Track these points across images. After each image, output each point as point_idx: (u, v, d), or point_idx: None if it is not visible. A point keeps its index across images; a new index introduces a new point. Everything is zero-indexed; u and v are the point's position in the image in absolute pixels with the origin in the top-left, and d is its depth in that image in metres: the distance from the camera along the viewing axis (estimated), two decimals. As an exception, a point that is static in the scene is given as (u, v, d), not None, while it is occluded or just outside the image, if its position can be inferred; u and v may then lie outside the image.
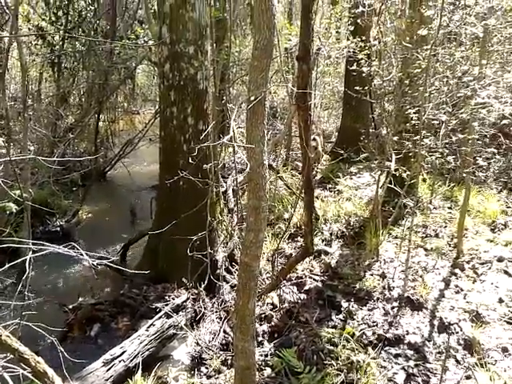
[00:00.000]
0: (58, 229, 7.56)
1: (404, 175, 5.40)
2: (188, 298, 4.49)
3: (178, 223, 4.50)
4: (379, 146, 7.68)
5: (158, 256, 5.11)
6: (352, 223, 6.76)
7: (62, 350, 2.73)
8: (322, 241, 6.37)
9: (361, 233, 6.38)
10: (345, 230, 6.62)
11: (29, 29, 11.26)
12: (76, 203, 8.69)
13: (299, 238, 6.55)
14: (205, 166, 3.90)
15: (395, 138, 5.34)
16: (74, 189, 9.74)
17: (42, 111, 12.44)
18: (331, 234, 6.55)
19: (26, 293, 3.22)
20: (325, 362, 3.71)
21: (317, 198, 7.90)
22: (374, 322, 4.41)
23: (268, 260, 5.64)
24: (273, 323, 4.33)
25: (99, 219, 8.34)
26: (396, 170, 5.37)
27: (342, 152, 8.99)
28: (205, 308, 4.47)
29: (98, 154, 9.50)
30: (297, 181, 8.70)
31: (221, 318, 4.45)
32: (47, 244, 2.31)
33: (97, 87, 10.43)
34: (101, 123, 11.15)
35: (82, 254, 2.39)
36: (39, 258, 6.74)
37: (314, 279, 5.28)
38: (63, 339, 4.35)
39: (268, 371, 3.67)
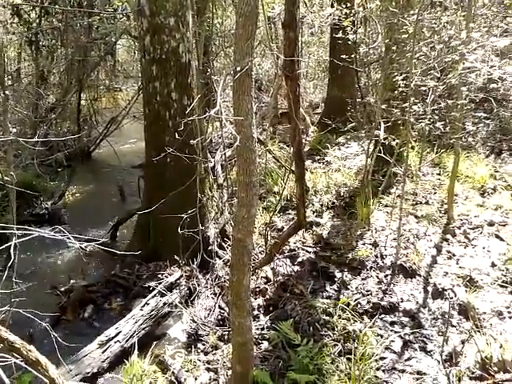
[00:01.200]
0: (45, 211, 7.43)
1: (393, 143, 5.36)
2: (181, 276, 4.46)
3: (167, 201, 4.41)
4: (367, 115, 7.63)
5: (148, 234, 5.05)
6: (342, 194, 6.74)
7: (55, 334, 2.67)
8: (313, 212, 6.34)
9: (351, 203, 6.36)
10: (335, 200, 6.60)
11: (3, 6, 10.89)
12: (62, 185, 8.57)
13: (290, 210, 6.53)
14: (191, 141, 3.80)
15: (383, 106, 5.27)
16: (59, 170, 9.57)
17: (22, 91, 12.15)
18: (322, 206, 6.52)
19: (13, 279, 3.13)
20: (321, 333, 3.71)
21: (306, 169, 7.85)
22: (368, 290, 4.42)
23: (260, 234, 5.61)
24: (267, 297, 4.32)
25: (87, 200, 8.23)
26: (385, 138, 5.32)
27: (330, 123, 8.90)
28: (199, 285, 4.44)
29: (81, 133, 9.31)
30: (285, 154, 8.64)
31: (215, 294, 4.43)
32: (32, 228, 2.23)
33: (76, 64, 10.17)
34: (83, 102, 10.94)
35: (68, 238, 2.30)
36: (27, 241, 6.71)
37: (307, 251, 5.26)
38: (57, 323, 4.32)
39: (265, 345, 3.66)
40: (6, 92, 5.80)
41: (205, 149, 5.39)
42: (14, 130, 10.70)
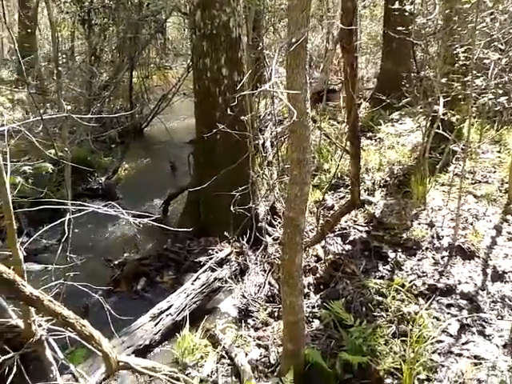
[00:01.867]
0: (99, 186, 7.63)
1: (453, 119, 5.11)
2: (231, 252, 4.46)
3: (218, 177, 4.41)
4: (423, 90, 7.32)
5: (198, 211, 5.07)
6: (396, 172, 6.53)
7: (109, 307, 2.71)
8: (365, 190, 6.18)
9: (405, 181, 6.15)
10: (388, 178, 6.40)
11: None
12: (115, 160, 8.75)
13: (341, 188, 6.40)
14: (242, 117, 3.75)
15: (443, 80, 5.01)
16: (113, 146, 9.79)
17: (76, 70, 12.43)
18: (374, 184, 6.35)
19: (68, 253, 3.22)
20: (374, 314, 3.63)
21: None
22: (423, 272, 4.28)
23: (310, 212, 5.53)
24: (318, 275, 4.26)
25: (139, 175, 8.38)
26: (444, 114, 5.08)
27: (383, 98, 8.60)
28: (248, 261, 4.44)
29: (133, 110, 9.44)
30: (336, 130, 8.46)
31: (265, 271, 4.41)
32: (86, 204, 2.25)
33: (128, 42, 10.28)
34: (135, 79, 11.08)
35: (122, 213, 2.31)
36: (81, 216, 6.92)
37: (359, 230, 5.14)
38: (110, 295, 4.43)
39: (316, 323, 3.62)
40: (60, 69, 5.92)
41: (255, 125, 5.33)
42: (69, 107, 11.07)
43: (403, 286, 3.97)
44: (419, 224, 5.03)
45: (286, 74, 2.60)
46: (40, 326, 2.09)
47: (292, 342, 2.88)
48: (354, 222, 5.39)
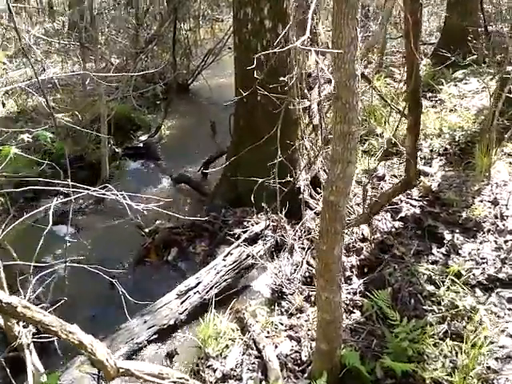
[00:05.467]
0: (141, 145, 7.39)
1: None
2: (268, 226, 4.09)
3: (257, 144, 4.01)
4: (493, 48, 6.53)
5: (236, 178, 4.70)
6: (457, 139, 5.88)
7: (123, 290, 2.42)
8: (421, 159, 5.59)
9: (468, 150, 5.53)
10: (448, 146, 5.77)
11: None
12: (159, 118, 8.47)
13: (394, 156, 5.85)
14: (281, 78, 3.29)
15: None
16: (158, 102, 9.50)
17: (123, 22, 12.11)
18: (432, 152, 5.75)
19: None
20: (424, 308, 3.19)
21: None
22: (483, 258, 3.77)
23: (358, 183, 5.06)
24: (363, 256, 3.84)
25: (181, 135, 8.06)
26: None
27: (447, 55, 7.80)
28: (286, 236, 4.06)
29: (176, 65, 9.05)
30: (392, 90, 7.78)
31: (304, 248, 4.02)
32: (85, 187, 1.91)
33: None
34: (183, 33, 10.63)
35: (123, 197, 1.96)
36: (121, 173, 6.69)
37: (412, 205, 4.64)
38: (140, 263, 4.21)
39: (357, 314, 3.23)
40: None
41: (299, 86, 4.81)
42: (118, 60, 10.82)
43: (459, 274, 3.49)
44: (481, 201, 4.46)
45: (332, 26, 2.12)
46: (25, 327, 1.84)
47: (326, 342, 2.51)
48: (407, 195, 4.86)
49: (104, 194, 1.89)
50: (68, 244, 3.83)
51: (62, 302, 3.05)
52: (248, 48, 4.33)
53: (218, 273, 3.61)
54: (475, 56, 7.66)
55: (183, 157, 6.97)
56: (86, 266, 2.33)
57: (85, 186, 1.85)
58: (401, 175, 5.33)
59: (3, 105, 7.53)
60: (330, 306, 2.40)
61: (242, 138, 4.61)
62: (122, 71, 9.93)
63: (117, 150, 6.72)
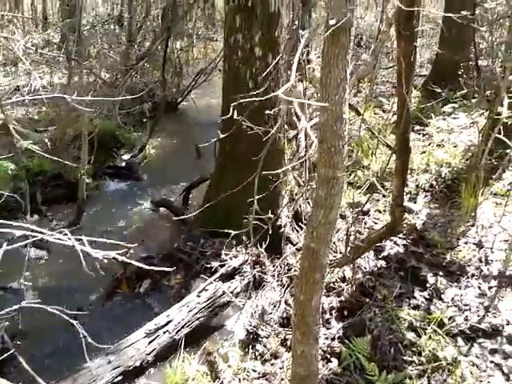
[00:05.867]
0: (123, 164, 7.22)
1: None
2: (246, 261, 3.93)
3: (238, 173, 3.88)
4: (483, 84, 6.52)
5: (217, 206, 4.54)
6: (444, 175, 5.81)
7: (84, 332, 2.23)
8: (406, 194, 5.49)
9: (454, 187, 5.46)
10: (434, 182, 5.70)
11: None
12: (144, 136, 8.31)
13: (380, 188, 5.75)
14: (268, 111, 3.17)
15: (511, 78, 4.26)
16: (144, 120, 9.35)
17: (114, 37, 12.02)
18: (417, 187, 5.67)
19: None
20: (404, 358, 3.05)
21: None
22: (466, 304, 3.65)
23: (341, 217, 4.93)
24: (343, 298, 3.69)
25: (166, 155, 7.91)
26: (509, 117, 4.33)
27: (436, 90, 7.81)
28: (265, 273, 3.90)
29: (166, 83, 8.94)
30: (380, 121, 7.74)
31: (283, 286, 3.87)
32: (41, 230, 1.73)
33: (168, 10, 9.72)
34: (176, 51, 10.54)
35: (82, 244, 1.80)
36: (103, 194, 6.46)
37: (396, 243, 4.52)
38: (111, 294, 4.01)
39: (334, 364, 3.06)
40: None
41: (283, 118, 4.71)
42: (108, 75, 10.69)
43: (441, 322, 3.36)
44: (466, 243, 4.36)
45: (321, 64, 2.01)
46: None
47: (300, 398, 2.35)
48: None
49: (60, 239, 1.71)
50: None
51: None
52: (237, 75, 4.23)
53: (190, 311, 3.43)
54: (465, 91, 7.67)
55: (166, 179, 6.81)
56: (44, 307, 2.14)
57: (41, 230, 1.68)
58: (385, 210, 5.23)
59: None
60: (306, 360, 2.24)
61: (226, 165, 4.50)
62: (112, 87, 9.83)
63: (95, 170, 6.52)
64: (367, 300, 3.62)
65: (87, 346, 2.38)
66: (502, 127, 4.58)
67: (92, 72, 10.11)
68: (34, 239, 1.64)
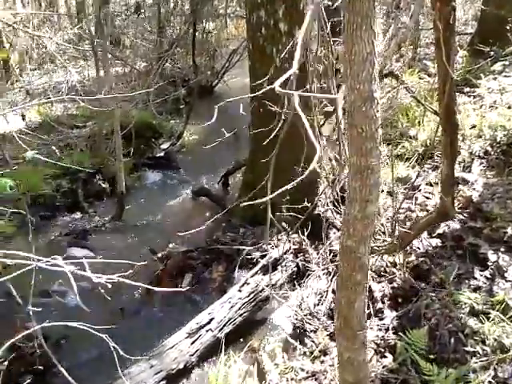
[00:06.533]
0: (162, 154, 7.14)
1: None
2: (288, 249, 3.73)
3: (276, 155, 3.65)
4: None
5: (254, 193, 4.35)
6: (499, 139, 5.35)
7: (115, 345, 2.10)
8: (459, 163, 5.10)
9: (511, 153, 5.01)
10: (489, 148, 5.25)
11: None
12: (181, 124, 8.20)
13: (429, 160, 5.38)
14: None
15: None
16: (181, 107, 9.23)
17: (145, 26, 11.93)
18: (471, 154, 5.24)
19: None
20: (466, 349, 2.77)
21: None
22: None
23: (389, 193, 4.62)
24: (395, 284, 3.43)
25: (204, 141, 7.73)
26: None
27: (482, 48, 7.25)
28: (309, 261, 3.69)
29: (198, 67, 8.77)
30: (426, 86, 7.26)
31: (330, 273, 3.64)
32: (33, 256, 1.58)
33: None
34: (206, 33, 10.31)
35: (79, 268, 1.64)
36: (144, 186, 6.40)
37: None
38: (151, 292, 3.92)
39: (389, 359, 2.83)
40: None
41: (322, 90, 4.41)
42: (144, 64, 10.64)
43: (506, 306, 3.05)
44: (529, 216, 3.98)
45: (344, 37, 1.76)
46: None
47: (350, 406, 2.15)
48: (445, 205, 4.43)
49: (55, 265, 1.55)
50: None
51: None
52: (262, 53, 3.97)
53: (232, 307, 3.28)
54: (515, 46, 7.08)
55: (205, 166, 6.67)
56: (67, 323, 2.02)
57: (32, 256, 1.53)
58: (437, 183, 4.87)
59: (23, 118, 7.39)
60: (353, 367, 2.03)
61: (259, 150, 4.28)
62: (146, 76, 9.75)
63: (135, 162, 6.47)
64: (423, 285, 3.34)
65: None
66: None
67: (126, 63, 10.08)
68: (28, 268, 1.49)
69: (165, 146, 7.50)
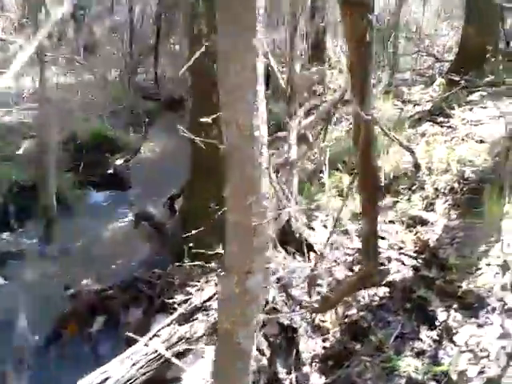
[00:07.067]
0: (112, 170, 6.66)
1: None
2: (214, 295, 3.26)
3: (206, 188, 3.24)
4: None
5: (188, 223, 3.91)
6: (467, 176, 4.98)
7: None
8: (423, 199, 4.72)
9: (479, 191, 4.62)
10: (456, 185, 4.87)
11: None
12: (141, 138, 7.77)
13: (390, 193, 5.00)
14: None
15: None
16: (147, 120, 8.80)
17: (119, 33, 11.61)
18: (436, 190, 4.85)
19: None
20: None
21: (423, 135, 6.13)
22: (483, 350, 2.89)
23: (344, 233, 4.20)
24: (328, 343, 2.98)
25: (162, 158, 7.34)
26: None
27: (460, 76, 6.99)
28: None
29: (164, 80, 8.40)
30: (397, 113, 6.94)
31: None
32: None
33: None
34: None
35: None
36: (85, 205, 5.90)
37: (404, 263, 3.80)
38: (59, 336, 3.42)
39: None
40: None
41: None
42: (117, 73, 10.23)
43: (448, 378, 2.62)
44: (488, 265, 3.57)
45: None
46: None
47: None
48: (400, 248, 4.03)
49: None
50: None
51: None
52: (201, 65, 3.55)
53: (134, 364, 2.79)
54: (492, 77, 6.79)
55: (157, 186, 6.20)
56: None
57: None
58: (402, 221, 4.48)
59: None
60: None
61: (194, 182, 3.85)
62: (114, 86, 9.34)
63: (79, 178, 5.99)
64: (358, 347, 2.90)
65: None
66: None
67: (95, 71, 9.69)
68: None
69: (119, 161, 7.04)
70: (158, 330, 3.01)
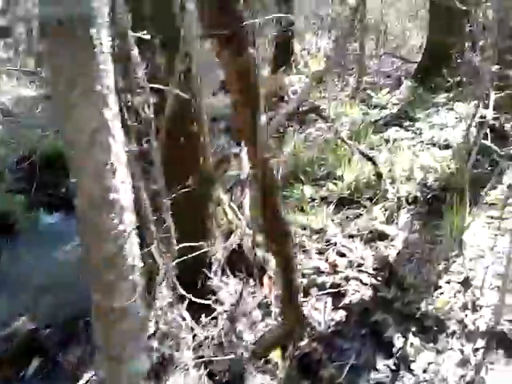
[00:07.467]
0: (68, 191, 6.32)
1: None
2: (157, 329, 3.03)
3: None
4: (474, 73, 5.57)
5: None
6: (430, 184, 4.84)
7: None
8: (385, 211, 4.55)
9: (442, 200, 4.47)
10: (419, 194, 4.72)
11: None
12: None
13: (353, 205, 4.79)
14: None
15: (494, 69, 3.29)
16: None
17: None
18: (399, 200, 4.67)
19: None
20: None
21: (387, 141, 5.97)
22: (442, 380, 2.72)
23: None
24: (276, 382, 2.76)
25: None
26: (496, 118, 3.39)
27: (427, 77, 6.93)
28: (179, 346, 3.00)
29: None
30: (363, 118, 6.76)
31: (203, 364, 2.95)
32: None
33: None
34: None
35: None
36: (34, 230, 5.53)
37: (362, 281, 3.61)
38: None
39: None
40: None
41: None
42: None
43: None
44: (448, 283, 3.41)
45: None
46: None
47: None
48: (359, 265, 3.85)
49: None
50: None
51: None
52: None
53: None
54: (455, 79, 6.71)
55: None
56: None
57: None
58: (360, 237, 4.27)
59: None
60: None
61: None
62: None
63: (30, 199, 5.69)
64: None
65: None
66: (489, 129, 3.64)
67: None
68: None
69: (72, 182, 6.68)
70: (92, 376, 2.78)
